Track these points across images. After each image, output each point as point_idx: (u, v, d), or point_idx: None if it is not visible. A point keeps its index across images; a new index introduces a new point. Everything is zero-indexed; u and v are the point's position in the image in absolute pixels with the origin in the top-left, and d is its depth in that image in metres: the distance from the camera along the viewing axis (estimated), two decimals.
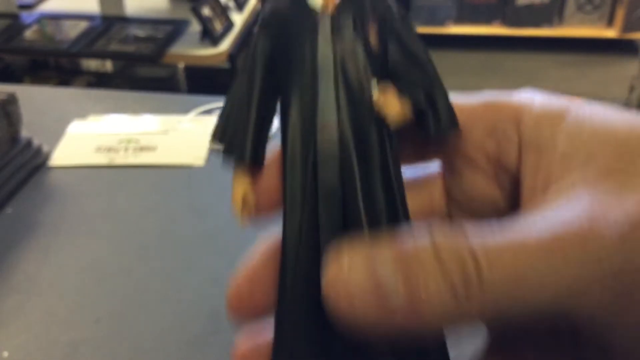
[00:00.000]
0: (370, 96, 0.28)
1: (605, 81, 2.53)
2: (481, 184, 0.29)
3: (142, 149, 0.82)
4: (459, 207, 0.30)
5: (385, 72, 0.29)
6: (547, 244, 0.19)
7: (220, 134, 0.30)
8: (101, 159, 0.80)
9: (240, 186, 0.29)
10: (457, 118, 0.29)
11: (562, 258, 0.19)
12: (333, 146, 0.28)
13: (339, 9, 0.29)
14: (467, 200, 0.30)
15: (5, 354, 0.53)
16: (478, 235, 0.20)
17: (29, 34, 1.73)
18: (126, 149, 0.82)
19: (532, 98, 0.28)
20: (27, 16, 1.84)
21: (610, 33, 2.80)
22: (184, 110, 0.91)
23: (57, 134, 0.84)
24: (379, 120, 0.28)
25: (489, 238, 0.20)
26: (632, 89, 1.97)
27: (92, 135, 0.85)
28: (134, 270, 0.62)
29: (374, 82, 0.28)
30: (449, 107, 0.29)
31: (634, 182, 0.21)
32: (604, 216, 0.20)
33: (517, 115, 0.27)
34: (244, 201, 0.29)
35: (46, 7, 1.95)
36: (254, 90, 0.30)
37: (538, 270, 0.19)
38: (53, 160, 0.80)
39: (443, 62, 2.70)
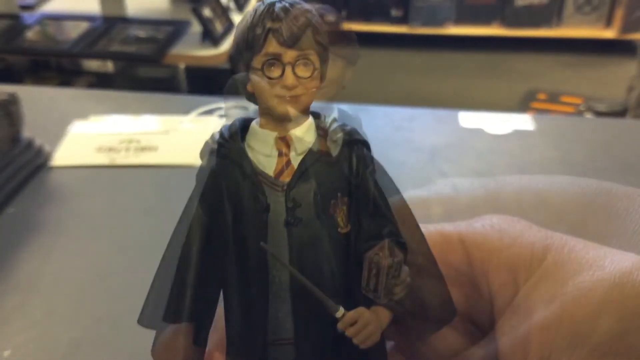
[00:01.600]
0: (336, 309, 0.22)
1: (604, 81, 2.53)
2: (450, 339, 0.27)
3: (143, 149, 0.82)
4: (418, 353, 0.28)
5: (359, 253, 0.23)
6: None
7: (148, 320, 0.27)
8: (102, 159, 0.80)
9: None
10: (454, 308, 0.24)
11: None
12: None
13: (296, 177, 0.22)
14: (430, 351, 0.27)
15: (6, 353, 0.53)
16: None
17: (30, 34, 1.73)
18: (127, 149, 0.82)
19: (500, 238, 0.25)
20: (28, 17, 1.84)
21: (609, 34, 2.80)
22: (185, 110, 0.91)
23: (58, 134, 0.85)
24: (345, 338, 0.22)
25: None
26: (630, 89, 1.97)
27: (93, 135, 0.85)
28: (134, 269, 0.62)
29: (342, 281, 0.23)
30: (444, 301, 0.24)
31: None
32: None
33: (484, 261, 0.26)
34: None
35: (47, 8, 1.95)
36: (190, 268, 0.26)
37: None
38: (54, 160, 0.80)
39: (442, 62, 2.70)
